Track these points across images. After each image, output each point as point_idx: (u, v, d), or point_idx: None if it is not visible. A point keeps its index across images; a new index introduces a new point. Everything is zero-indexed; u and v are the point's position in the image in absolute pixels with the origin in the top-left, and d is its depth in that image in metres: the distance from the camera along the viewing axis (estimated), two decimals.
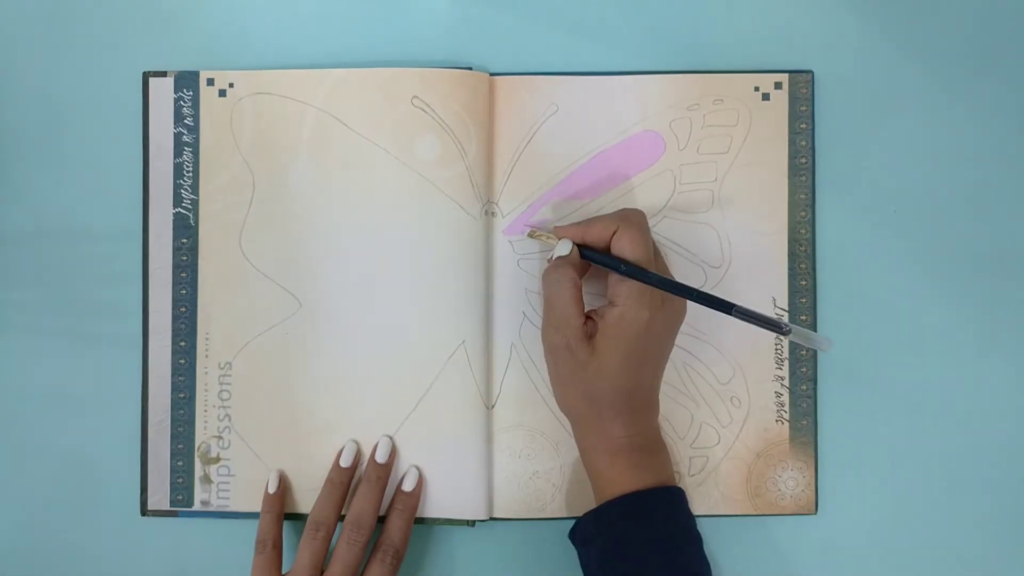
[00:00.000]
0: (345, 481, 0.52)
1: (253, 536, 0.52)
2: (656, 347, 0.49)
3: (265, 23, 0.55)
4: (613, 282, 0.48)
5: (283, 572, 0.51)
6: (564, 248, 0.50)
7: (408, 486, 0.52)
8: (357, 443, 0.53)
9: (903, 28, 0.54)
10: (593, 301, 0.53)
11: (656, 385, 0.51)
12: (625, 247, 0.48)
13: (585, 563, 0.49)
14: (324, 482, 0.52)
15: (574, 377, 0.49)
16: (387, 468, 0.52)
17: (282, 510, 0.52)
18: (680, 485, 0.51)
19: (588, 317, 0.49)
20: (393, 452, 0.53)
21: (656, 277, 0.47)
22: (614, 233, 0.48)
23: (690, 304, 0.51)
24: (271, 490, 0.52)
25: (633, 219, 0.49)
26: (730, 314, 0.46)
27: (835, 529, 0.54)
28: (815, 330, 0.54)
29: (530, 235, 0.53)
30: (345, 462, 0.52)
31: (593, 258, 0.49)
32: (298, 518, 0.53)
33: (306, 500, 0.53)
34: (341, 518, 0.52)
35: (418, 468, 0.53)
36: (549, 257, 0.51)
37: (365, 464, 0.52)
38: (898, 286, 0.54)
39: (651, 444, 0.50)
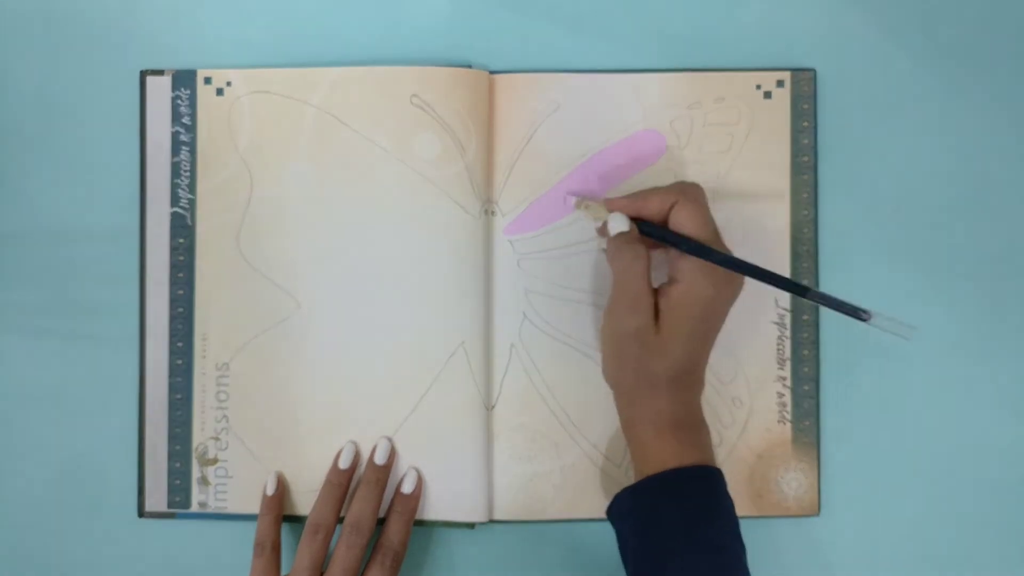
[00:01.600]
0: (344, 483, 0.51)
1: (251, 538, 0.52)
2: (716, 324, 0.48)
3: (263, 21, 0.54)
4: (674, 257, 0.47)
5: (282, 574, 0.50)
6: (622, 223, 0.48)
7: (407, 488, 0.52)
8: (356, 444, 0.53)
9: (906, 26, 0.54)
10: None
11: (708, 360, 0.49)
12: (684, 222, 0.47)
13: (622, 538, 0.48)
14: (323, 484, 0.51)
15: (635, 355, 0.47)
16: (386, 470, 0.52)
17: (281, 512, 0.52)
18: None
19: (656, 292, 0.48)
20: (392, 454, 0.52)
21: (722, 256, 0.46)
22: (672, 207, 0.47)
23: None
24: (269, 492, 0.52)
25: (692, 193, 0.48)
26: (804, 297, 0.45)
27: (838, 530, 0.54)
28: (817, 331, 0.53)
29: (577, 205, 0.52)
30: (344, 463, 0.52)
31: (653, 233, 0.48)
32: (296, 520, 0.53)
33: (304, 502, 0.53)
34: (340, 520, 0.51)
35: (417, 470, 0.52)
36: (598, 229, 0.49)
37: (364, 466, 0.52)
38: (900, 285, 0.54)
39: (696, 421, 0.49)
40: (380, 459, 0.52)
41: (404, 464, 0.53)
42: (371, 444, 0.53)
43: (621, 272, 0.48)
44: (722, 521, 0.46)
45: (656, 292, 0.48)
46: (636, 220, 0.49)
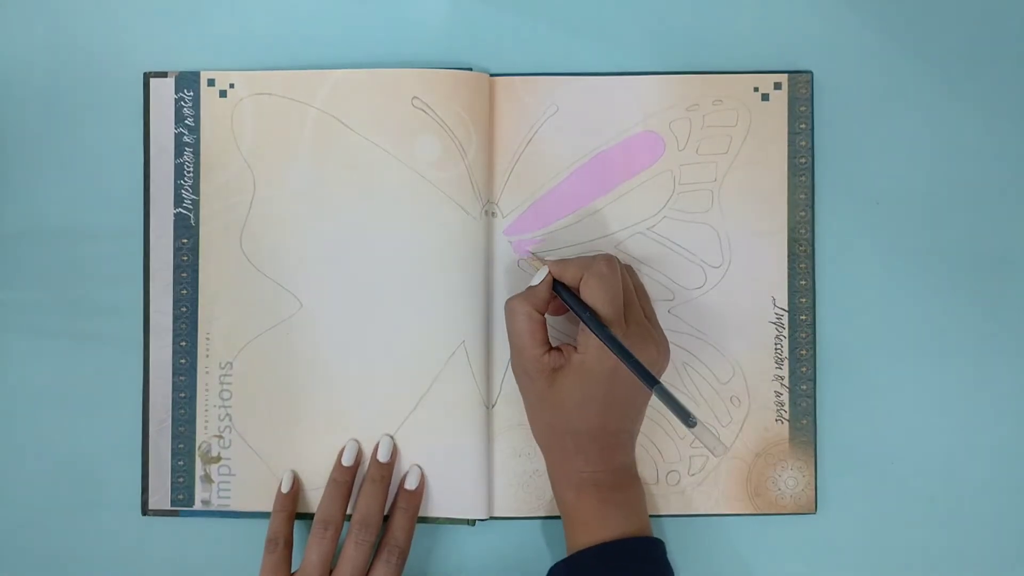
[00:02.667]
0: (348, 480, 0.52)
1: (254, 535, 0.52)
2: (624, 393, 0.48)
3: (266, 24, 0.55)
4: (580, 328, 0.48)
5: (291, 571, 0.51)
6: (538, 278, 0.50)
7: (411, 484, 0.52)
8: (358, 442, 0.53)
9: (903, 28, 0.54)
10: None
11: (626, 427, 0.50)
12: (589, 296, 0.48)
13: None
14: (327, 482, 0.52)
15: (538, 406, 0.50)
16: (390, 467, 0.52)
17: (294, 510, 0.53)
18: (679, 486, 0.51)
19: (559, 350, 0.49)
20: (395, 451, 0.53)
21: (605, 335, 0.46)
22: (581, 279, 0.48)
23: (691, 301, 0.52)
24: (285, 489, 0.52)
25: (596, 269, 0.48)
26: (650, 389, 0.45)
27: (835, 529, 0.54)
28: (814, 331, 0.54)
29: (531, 260, 0.53)
30: (347, 461, 0.52)
31: (564, 299, 0.49)
32: (299, 517, 0.53)
33: (307, 499, 0.53)
34: (346, 516, 0.52)
35: (420, 467, 0.53)
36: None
37: (367, 464, 0.53)
38: (898, 286, 0.54)
39: (619, 481, 0.49)
40: (383, 456, 0.52)
41: (406, 462, 0.53)
42: (373, 442, 0.53)
43: (507, 322, 0.49)
44: None
45: (565, 349, 0.49)
46: (557, 283, 0.49)
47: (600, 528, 0.48)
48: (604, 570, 0.47)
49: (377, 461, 0.52)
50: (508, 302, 0.50)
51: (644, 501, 0.50)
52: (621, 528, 0.48)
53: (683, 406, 0.43)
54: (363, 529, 0.50)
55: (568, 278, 0.49)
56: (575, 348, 0.48)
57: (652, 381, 0.45)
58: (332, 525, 0.50)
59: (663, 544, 0.49)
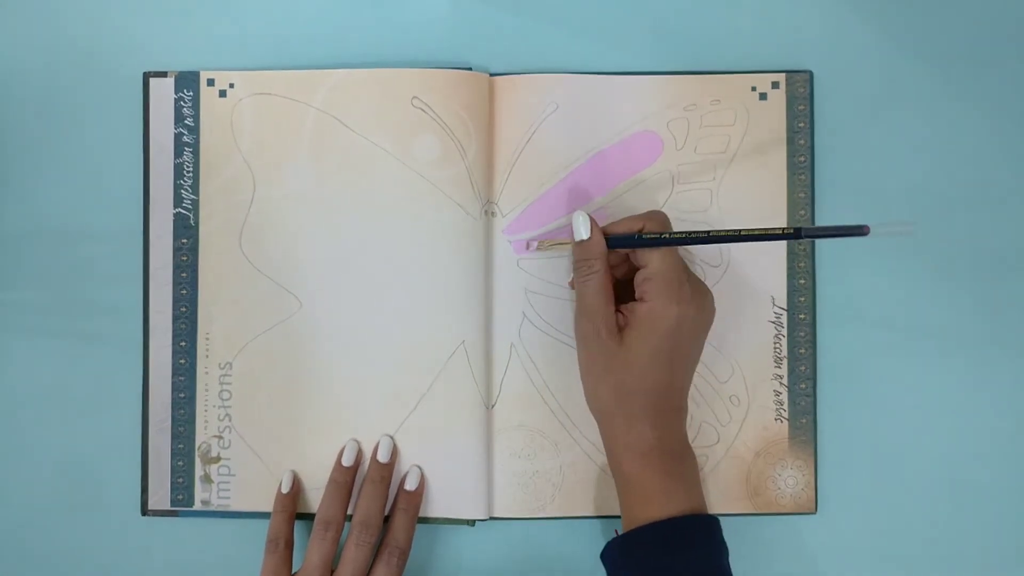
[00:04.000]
0: (348, 480, 0.52)
1: (254, 535, 0.52)
2: (686, 345, 0.49)
3: (265, 23, 0.55)
4: (640, 280, 0.48)
5: (292, 572, 0.51)
6: (583, 226, 0.49)
7: (411, 485, 0.52)
8: (358, 442, 0.53)
9: (902, 27, 0.55)
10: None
11: (686, 387, 0.50)
12: (643, 250, 0.48)
13: None
14: (327, 482, 0.52)
15: (605, 369, 0.48)
16: (390, 467, 0.52)
17: (295, 510, 0.53)
18: None
19: (619, 311, 0.49)
20: (395, 451, 0.53)
21: (679, 235, 0.47)
22: (638, 232, 0.48)
23: None
24: (284, 490, 0.52)
25: (657, 218, 0.49)
26: (799, 239, 0.45)
27: (835, 528, 0.54)
28: (813, 330, 0.54)
29: (539, 247, 0.53)
30: (347, 461, 0.52)
31: (615, 240, 0.49)
32: (300, 517, 0.53)
33: (307, 499, 0.53)
34: (347, 517, 0.52)
35: (419, 467, 0.53)
36: (570, 283, 0.51)
37: (367, 464, 0.53)
38: (897, 285, 0.54)
39: (682, 451, 0.49)
40: (383, 457, 0.52)
41: (406, 462, 0.53)
42: (373, 442, 0.53)
43: (577, 282, 0.49)
44: (717, 572, 0.47)
45: (624, 310, 0.49)
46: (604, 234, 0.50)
47: (665, 502, 0.47)
48: (664, 549, 0.46)
49: (377, 462, 0.52)
50: (576, 264, 0.49)
51: (698, 470, 0.50)
52: (682, 504, 0.47)
53: (846, 225, 0.44)
54: (364, 530, 0.50)
55: (623, 232, 0.49)
56: (639, 301, 0.48)
57: (797, 231, 0.45)
58: (333, 526, 0.50)
59: (719, 522, 0.48)
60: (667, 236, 0.48)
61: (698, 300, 0.48)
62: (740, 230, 0.47)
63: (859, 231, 0.43)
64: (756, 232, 0.46)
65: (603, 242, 0.49)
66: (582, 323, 0.49)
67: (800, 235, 0.45)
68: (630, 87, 0.54)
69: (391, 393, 0.53)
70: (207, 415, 0.54)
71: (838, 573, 0.54)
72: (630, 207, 0.54)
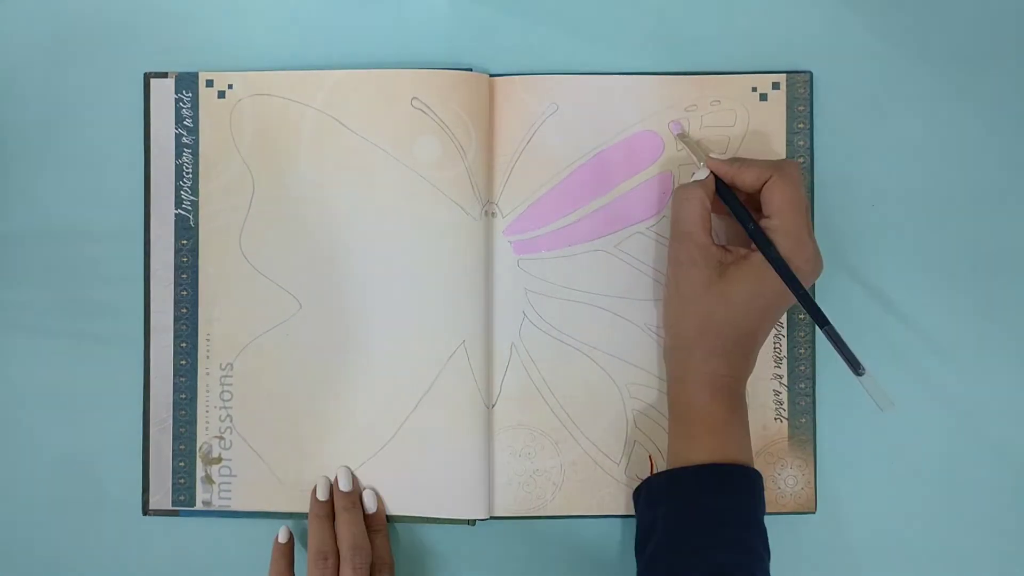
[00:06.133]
0: (329, 512, 0.52)
1: (255, 536, 0.53)
2: (785, 304, 0.48)
3: (265, 24, 0.55)
4: (766, 225, 0.48)
5: None
6: (701, 174, 0.49)
7: (371, 508, 0.53)
8: (327, 477, 0.53)
9: (901, 28, 0.54)
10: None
11: (763, 341, 0.49)
12: (776, 199, 0.47)
13: (647, 522, 0.48)
14: (310, 518, 0.52)
15: (695, 298, 0.48)
16: (355, 493, 0.53)
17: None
18: None
19: (726, 249, 0.49)
20: (354, 478, 0.53)
21: (774, 256, 0.47)
22: (766, 182, 0.48)
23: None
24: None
25: (789, 172, 0.48)
26: (821, 328, 0.47)
27: (834, 527, 0.54)
28: (813, 330, 0.54)
29: (680, 137, 0.53)
30: (322, 496, 0.53)
31: (726, 200, 0.49)
32: (301, 516, 0.54)
33: (307, 500, 0.53)
34: None
35: (373, 489, 0.53)
36: (692, 176, 0.51)
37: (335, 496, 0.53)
38: (897, 286, 0.54)
39: (742, 397, 0.49)
40: (344, 487, 0.53)
41: (406, 462, 0.53)
42: (373, 442, 0.53)
43: (675, 207, 0.49)
44: (756, 527, 0.47)
45: (735, 251, 0.49)
46: (721, 185, 0.49)
47: (724, 441, 0.47)
48: (716, 490, 0.47)
49: (342, 492, 0.53)
50: (680, 188, 0.49)
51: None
52: (736, 452, 0.47)
53: (852, 353, 0.45)
54: (357, 553, 0.50)
55: (746, 181, 0.48)
56: (754, 249, 0.48)
57: (823, 321, 0.46)
58: (330, 554, 0.50)
59: (761, 478, 0.48)
60: (752, 228, 0.48)
61: (814, 266, 0.48)
62: (797, 283, 0.47)
63: (855, 369, 0.46)
64: (802, 292, 0.47)
65: (713, 185, 0.49)
66: (678, 248, 0.49)
67: (823, 325, 0.47)
68: (630, 87, 0.54)
69: (392, 393, 0.53)
70: (208, 416, 0.54)
71: (838, 572, 0.54)
72: (630, 208, 0.54)
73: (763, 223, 0.48)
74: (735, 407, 0.48)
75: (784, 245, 0.47)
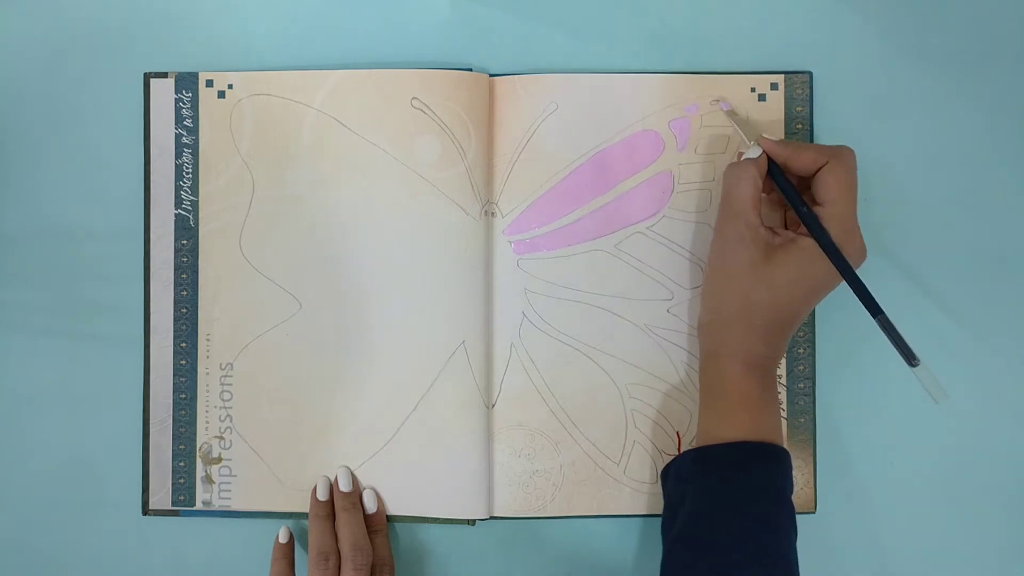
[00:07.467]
0: (329, 512, 0.52)
1: (255, 536, 0.53)
2: (826, 290, 0.48)
3: (264, 24, 0.55)
4: (821, 213, 0.48)
5: None
6: (754, 153, 0.49)
7: (371, 508, 0.53)
8: (327, 477, 0.53)
9: (901, 29, 0.54)
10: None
11: (798, 324, 0.49)
12: (830, 184, 0.47)
13: (674, 500, 0.48)
14: (310, 519, 0.52)
15: (739, 275, 0.48)
16: (355, 493, 0.53)
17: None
18: None
19: (774, 231, 0.48)
20: (353, 479, 0.53)
21: (828, 242, 0.46)
22: (821, 167, 0.47)
23: (691, 300, 0.51)
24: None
25: (845, 159, 0.47)
26: (874, 318, 0.46)
27: (834, 527, 0.54)
28: (812, 330, 0.54)
29: (728, 114, 0.53)
30: (322, 496, 0.53)
31: (779, 182, 0.49)
32: (301, 516, 0.54)
33: (307, 500, 0.53)
34: None
35: (373, 488, 0.53)
36: (737, 154, 0.50)
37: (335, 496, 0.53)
38: (897, 286, 0.54)
39: (776, 379, 0.49)
40: (345, 487, 0.53)
41: (406, 462, 0.53)
42: (373, 442, 0.53)
43: (727, 184, 0.48)
44: (785, 504, 0.47)
45: (784, 233, 0.49)
46: (773, 166, 0.49)
47: (756, 418, 0.47)
48: (738, 467, 0.47)
49: (342, 492, 0.53)
50: (732, 166, 0.49)
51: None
52: (768, 430, 0.47)
53: (906, 343, 0.45)
54: (359, 553, 0.50)
55: (800, 164, 0.48)
56: (804, 234, 0.48)
57: (876, 310, 0.46)
58: (332, 554, 0.51)
59: (790, 457, 0.48)
60: (805, 212, 0.47)
61: (860, 255, 0.47)
62: (852, 272, 0.47)
63: (909, 360, 0.46)
64: (857, 280, 0.47)
65: (766, 165, 0.49)
66: (727, 226, 0.48)
67: (876, 314, 0.47)
68: (630, 87, 0.54)
69: (391, 393, 0.53)
70: (208, 416, 0.54)
71: (837, 572, 0.54)
72: (630, 207, 0.54)
73: (815, 209, 0.48)
74: (768, 386, 0.48)
75: (835, 232, 0.47)
